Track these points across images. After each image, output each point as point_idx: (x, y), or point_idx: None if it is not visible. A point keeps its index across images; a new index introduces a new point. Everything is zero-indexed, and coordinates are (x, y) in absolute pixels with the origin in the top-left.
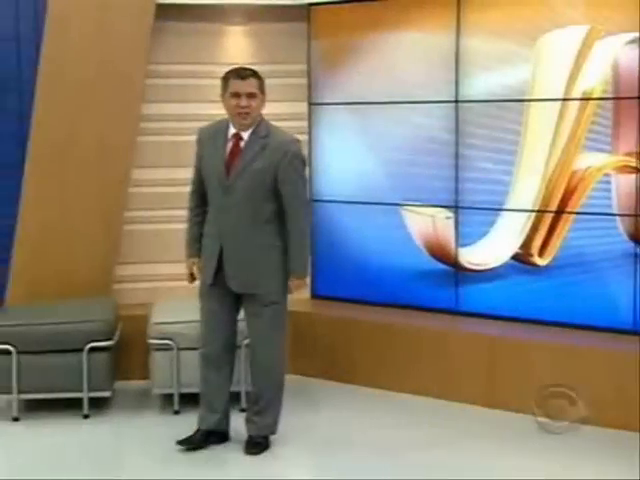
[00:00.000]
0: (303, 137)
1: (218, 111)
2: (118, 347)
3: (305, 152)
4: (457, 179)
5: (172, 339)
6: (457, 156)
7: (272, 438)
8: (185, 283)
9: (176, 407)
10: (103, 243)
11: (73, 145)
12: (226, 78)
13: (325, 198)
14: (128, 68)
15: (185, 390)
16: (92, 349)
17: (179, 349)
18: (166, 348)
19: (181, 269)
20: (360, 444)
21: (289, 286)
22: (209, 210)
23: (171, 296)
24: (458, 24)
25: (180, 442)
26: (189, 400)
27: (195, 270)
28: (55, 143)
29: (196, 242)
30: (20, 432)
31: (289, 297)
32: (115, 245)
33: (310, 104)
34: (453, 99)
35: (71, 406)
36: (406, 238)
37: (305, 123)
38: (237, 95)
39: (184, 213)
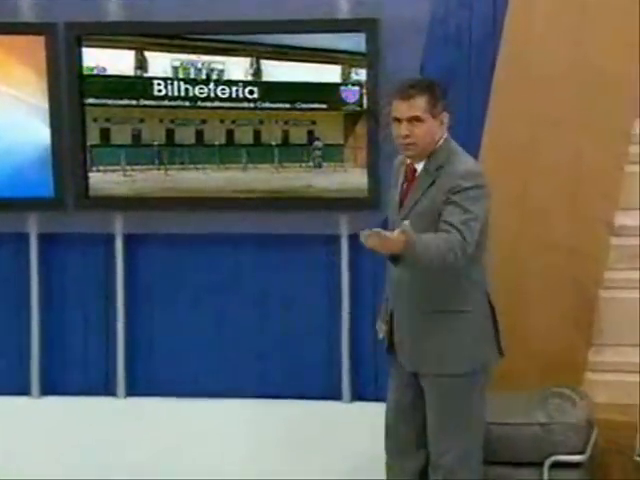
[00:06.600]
0: None
1: None
2: (592, 464)
3: None
4: None
5: None
6: None
7: None
8: None
9: None
10: (571, 313)
11: (534, 164)
12: (390, 98)
13: None
14: (616, 69)
15: None
16: (555, 464)
17: None
18: None
19: None
20: None
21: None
22: None
23: None
24: None
25: None
26: None
27: None
28: (511, 154)
29: None
30: None
31: None
32: (588, 317)
33: None
34: None
35: None
36: None
37: None
38: (398, 120)
39: None
